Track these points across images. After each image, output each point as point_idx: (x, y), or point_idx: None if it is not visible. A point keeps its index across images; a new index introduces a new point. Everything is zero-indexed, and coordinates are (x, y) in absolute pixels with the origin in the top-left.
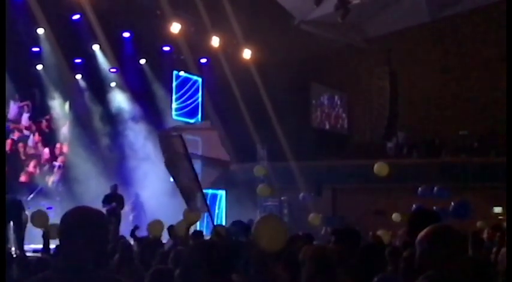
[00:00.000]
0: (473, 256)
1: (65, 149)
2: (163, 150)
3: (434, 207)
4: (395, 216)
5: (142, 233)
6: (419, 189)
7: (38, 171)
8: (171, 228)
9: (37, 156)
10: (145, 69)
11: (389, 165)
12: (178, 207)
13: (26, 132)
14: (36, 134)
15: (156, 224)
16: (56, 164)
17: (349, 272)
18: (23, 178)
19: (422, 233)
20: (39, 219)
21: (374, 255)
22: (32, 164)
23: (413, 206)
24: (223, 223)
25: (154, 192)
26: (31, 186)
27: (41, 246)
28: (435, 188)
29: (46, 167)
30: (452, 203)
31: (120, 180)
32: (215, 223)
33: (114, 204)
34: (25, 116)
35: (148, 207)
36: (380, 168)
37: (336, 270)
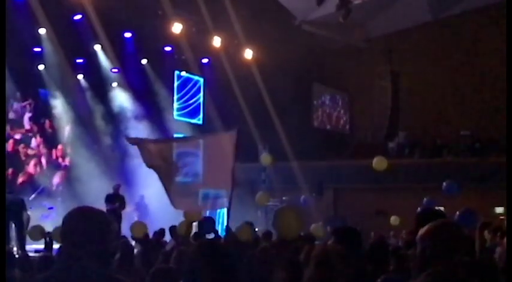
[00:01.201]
0: (479, 254)
1: (67, 149)
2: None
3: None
4: (394, 220)
5: None
6: (425, 199)
7: (38, 170)
8: (173, 229)
9: (39, 157)
10: (147, 69)
11: (391, 165)
12: None
13: (28, 134)
14: (38, 136)
15: (139, 226)
16: (63, 163)
17: (350, 272)
18: (22, 178)
19: (423, 230)
20: (36, 233)
21: (377, 255)
22: (32, 163)
23: (418, 209)
24: (225, 223)
25: (156, 192)
26: (33, 186)
27: (42, 246)
28: (444, 184)
29: (48, 168)
30: (458, 212)
31: (122, 179)
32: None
33: (116, 204)
34: (27, 116)
35: (151, 207)
36: (378, 162)
37: (337, 271)
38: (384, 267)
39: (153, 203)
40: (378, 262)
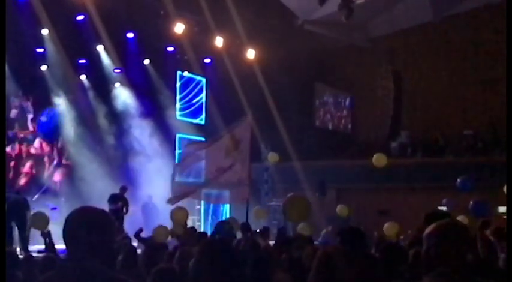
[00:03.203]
0: (482, 254)
1: (69, 148)
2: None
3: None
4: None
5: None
6: (458, 180)
7: (34, 172)
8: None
9: (40, 157)
10: (149, 70)
11: (393, 165)
12: (184, 206)
13: (31, 134)
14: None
15: (161, 230)
16: (63, 161)
17: (353, 272)
18: (24, 180)
19: (429, 228)
20: (40, 221)
21: (389, 256)
22: (27, 164)
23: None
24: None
25: (162, 192)
26: (36, 186)
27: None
28: (458, 180)
29: (48, 167)
30: (471, 202)
31: (126, 179)
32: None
33: (119, 204)
34: (29, 117)
35: (158, 208)
36: (378, 159)
37: (340, 272)
38: (394, 268)
39: (158, 203)
40: (389, 263)
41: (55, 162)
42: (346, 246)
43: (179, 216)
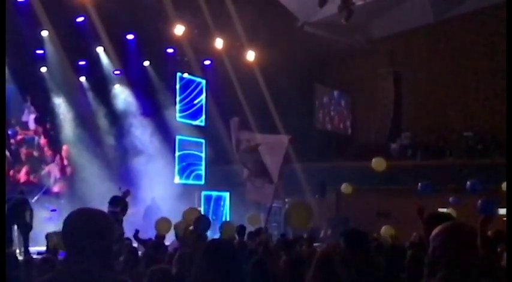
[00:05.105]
0: (484, 254)
1: (70, 150)
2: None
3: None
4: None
5: (146, 235)
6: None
7: (30, 178)
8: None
9: (40, 158)
10: (149, 71)
11: (393, 167)
12: (184, 208)
13: (32, 135)
14: (42, 137)
15: (164, 223)
16: (67, 165)
17: (353, 273)
18: (22, 181)
19: (437, 229)
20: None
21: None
22: (23, 170)
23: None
24: None
25: (164, 193)
26: (35, 188)
27: (45, 248)
28: (468, 183)
29: (48, 169)
30: (480, 201)
31: (125, 180)
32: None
33: (118, 208)
34: (31, 117)
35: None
36: (377, 163)
37: (339, 272)
38: (393, 269)
39: (161, 203)
40: (389, 264)
41: (57, 175)
42: (350, 248)
43: (190, 218)
